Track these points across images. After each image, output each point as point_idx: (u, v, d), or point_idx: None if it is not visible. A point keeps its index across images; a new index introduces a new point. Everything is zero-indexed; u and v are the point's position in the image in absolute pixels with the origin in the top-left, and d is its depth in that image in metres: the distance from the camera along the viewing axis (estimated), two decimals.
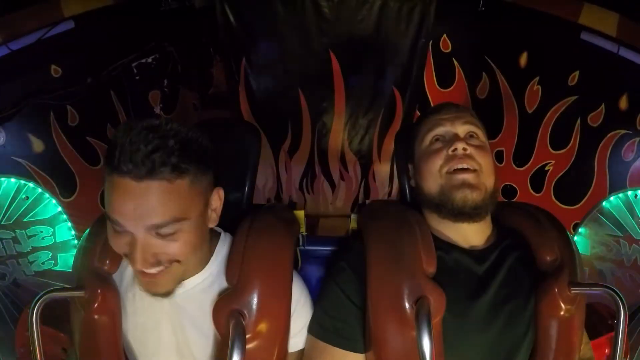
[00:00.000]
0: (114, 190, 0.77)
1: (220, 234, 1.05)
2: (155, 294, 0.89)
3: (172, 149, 0.77)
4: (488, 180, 1.04)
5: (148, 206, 0.77)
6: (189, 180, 0.81)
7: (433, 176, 1.05)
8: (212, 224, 0.95)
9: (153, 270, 0.83)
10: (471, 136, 1.08)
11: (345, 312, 1.00)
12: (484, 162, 1.04)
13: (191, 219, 0.83)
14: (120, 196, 0.77)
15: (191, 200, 0.83)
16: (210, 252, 1.01)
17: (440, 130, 1.08)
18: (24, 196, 1.69)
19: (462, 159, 1.02)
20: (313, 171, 2.47)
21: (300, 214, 1.25)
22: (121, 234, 0.81)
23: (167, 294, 0.90)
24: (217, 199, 0.94)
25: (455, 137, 1.05)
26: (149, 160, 0.75)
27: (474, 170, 1.02)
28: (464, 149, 1.02)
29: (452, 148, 1.03)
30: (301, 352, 1.05)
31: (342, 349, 1.00)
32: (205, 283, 0.99)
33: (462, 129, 1.07)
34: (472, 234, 1.07)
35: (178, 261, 0.86)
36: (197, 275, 0.98)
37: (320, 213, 2.50)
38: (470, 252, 1.05)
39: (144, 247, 0.80)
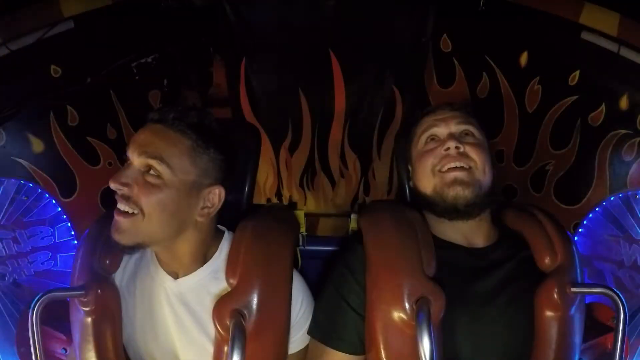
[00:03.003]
0: (139, 130, 0.97)
1: (224, 232, 1.06)
2: (116, 242, 0.94)
3: (190, 117, 0.96)
4: (483, 177, 1.04)
5: (151, 139, 0.94)
6: (190, 146, 0.95)
7: (427, 176, 1.06)
8: (200, 217, 0.98)
9: (122, 207, 0.92)
10: (466, 134, 1.08)
11: (345, 317, 1.01)
12: (479, 159, 1.04)
13: (175, 177, 0.92)
14: (139, 132, 0.97)
15: (184, 162, 0.94)
16: (214, 249, 1.02)
17: (434, 130, 1.09)
18: (24, 196, 1.69)
19: (454, 157, 1.03)
20: (313, 168, 2.47)
21: (300, 214, 1.26)
22: (124, 167, 0.95)
23: (124, 247, 0.95)
24: (215, 196, 0.98)
25: (449, 136, 1.06)
26: (167, 113, 0.96)
27: (468, 169, 1.03)
28: (457, 147, 1.03)
29: (445, 147, 1.04)
30: (302, 353, 1.05)
31: (341, 352, 1.00)
32: (207, 278, 0.99)
33: (455, 128, 1.08)
34: (472, 233, 1.07)
35: (142, 214, 0.91)
36: (198, 270, 0.99)
37: (320, 209, 2.51)
38: (471, 251, 1.05)
39: (129, 172, 0.92)
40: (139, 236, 0.93)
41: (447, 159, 1.03)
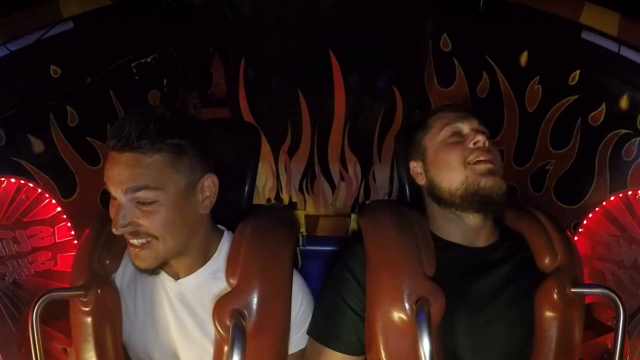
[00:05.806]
0: (107, 162, 0.92)
1: (223, 231, 1.06)
2: (138, 268, 0.96)
3: (151, 128, 0.88)
4: (500, 175, 1.06)
5: (127, 173, 0.88)
6: (168, 157, 0.90)
7: (456, 168, 1.05)
8: (204, 210, 0.98)
9: (135, 242, 0.93)
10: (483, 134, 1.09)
11: (344, 318, 1.01)
12: (496, 159, 1.06)
13: (168, 193, 0.90)
14: (109, 166, 0.91)
15: (169, 176, 0.91)
16: (214, 249, 1.02)
17: (458, 125, 1.09)
18: (24, 196, 1.69)
19: (484, 151, 1.03)
20: (313, 171, 2.46)
21: (300, 214, 1.26)
22: (114, 204, 0.92)
23: (149, 271, 0.96)
24: (211, 185, 0.97)
25: (475, 132, 1.06)
26: (128, 136, 0.87)
27: (494, 164, 1.04)
28: (484, 143, 1.04)
29: (475, 140, 1.04)
30: (301, 353, 1.05)
31: (339, 352, 1.00)
32: (208, 279, 1.00)
33: (477, 127, 1.10)
34: (474, 232, 1.07)
35: (156, 238, 0.91)
36: (199, 270, 1.00)
37: (320, 214, 2.50)
38: (472, 251, 1.05)
39: (124, 212, 0.90)
40: (160, 257, 0.95)
41: (477, 151, 1.04)
